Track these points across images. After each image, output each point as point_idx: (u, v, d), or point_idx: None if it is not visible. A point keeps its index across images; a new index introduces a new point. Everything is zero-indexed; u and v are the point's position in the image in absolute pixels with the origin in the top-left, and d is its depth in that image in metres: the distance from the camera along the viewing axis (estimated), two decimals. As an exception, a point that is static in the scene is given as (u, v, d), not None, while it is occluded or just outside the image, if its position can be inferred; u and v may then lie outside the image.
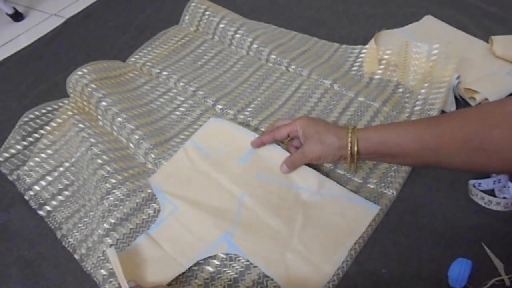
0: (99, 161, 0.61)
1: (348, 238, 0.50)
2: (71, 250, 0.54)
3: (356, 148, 0.48)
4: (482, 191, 0.53)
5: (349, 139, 0.49)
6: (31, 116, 0.74)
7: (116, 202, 0.56)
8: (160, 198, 0.56)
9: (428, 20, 0.85)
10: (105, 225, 0.54)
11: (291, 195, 0.55)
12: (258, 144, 0.59)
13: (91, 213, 0.57)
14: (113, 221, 0.54)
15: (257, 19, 0.92)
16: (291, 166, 0.56)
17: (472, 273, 0.46)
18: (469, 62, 0.72)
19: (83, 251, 0.54)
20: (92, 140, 0.64)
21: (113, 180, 0.58)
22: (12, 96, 0.82)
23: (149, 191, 0.57)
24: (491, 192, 0.53)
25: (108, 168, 0.60)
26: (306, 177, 0.56)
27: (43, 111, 0.74)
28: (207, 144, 0.61)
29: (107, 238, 0.53)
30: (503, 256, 0.47)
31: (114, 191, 0.57)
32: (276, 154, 0.58)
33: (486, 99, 0.64)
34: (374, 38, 0.77)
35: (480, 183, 0.54)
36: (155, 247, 0.51)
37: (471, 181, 0.54)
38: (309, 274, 0.47)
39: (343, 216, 0.52)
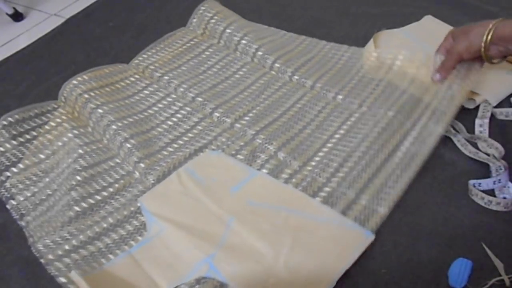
0: (73, 182, 0.59)
1: (337, 266, 0.47)
2: (38, 255, 0.53)
3: (494, 29, 0.54)
4: (482, 191, 0.53)
5: (493, 22, 0.54)
6: (10, 119, 0.69)
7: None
8: (147, 218, 0.55)
9: (428, 20, 0.85)
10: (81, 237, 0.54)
11: (281, 218, 0.53)
12: (443, 75, 0.62)
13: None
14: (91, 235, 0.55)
15: (257, 19, 0.92)
16: (443, 71, 0.61)
17: (472, 273, 0.46)
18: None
19: (51, 257, 0.52)
20: (74, 155, 0.63)
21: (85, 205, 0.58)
22: (12, 96, 0.82)
23: (132, 208, 0.58)
24: (491, 192, 0.53)
25: (81, 191, 0.59)
26: (299, 201, 0.55)
27: (29, 114, 0.71)
28: (202, 171, 0.60)
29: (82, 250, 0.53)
30: (503, 256, 0.47)
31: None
32: (271, 185, 0.58)
33: (486, 100, 0.64)
34: (373, 38, 0.77)
35: (480, 183, 0.54)
36: (134, 267, 0.50)
37: (471, 181, 0.54)
38: None
39: (335, 241, 0.50)
